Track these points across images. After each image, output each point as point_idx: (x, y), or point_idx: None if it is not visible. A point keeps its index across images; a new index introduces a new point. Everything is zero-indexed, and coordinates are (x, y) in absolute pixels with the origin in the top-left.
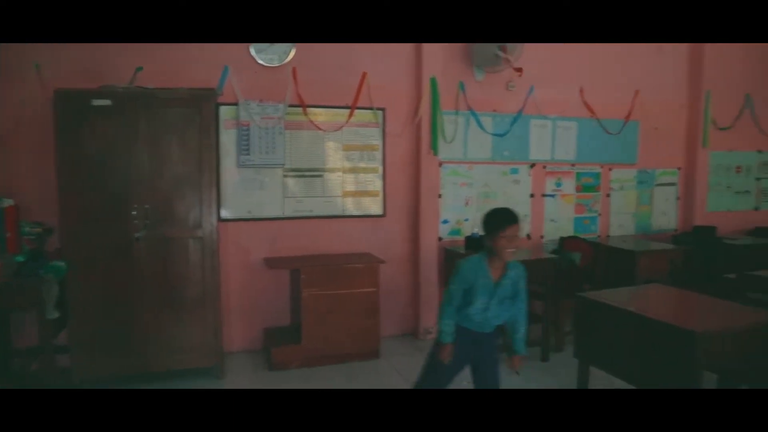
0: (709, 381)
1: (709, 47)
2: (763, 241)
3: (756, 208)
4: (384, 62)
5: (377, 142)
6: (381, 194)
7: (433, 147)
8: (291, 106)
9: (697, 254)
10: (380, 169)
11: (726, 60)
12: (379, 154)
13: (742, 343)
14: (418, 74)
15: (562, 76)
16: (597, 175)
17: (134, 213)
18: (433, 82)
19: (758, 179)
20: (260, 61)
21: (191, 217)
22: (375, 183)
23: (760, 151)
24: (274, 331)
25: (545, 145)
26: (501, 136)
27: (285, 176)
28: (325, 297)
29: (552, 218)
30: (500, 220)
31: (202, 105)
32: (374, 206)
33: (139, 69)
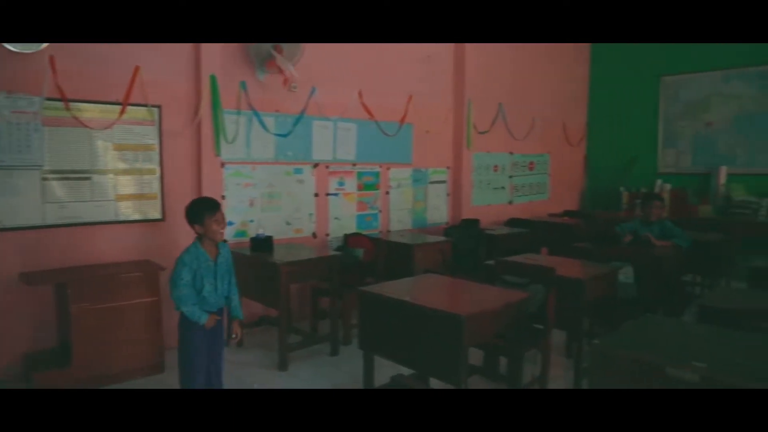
0: (476, 356)
1: (469, 61)
2: (517, 231)
3: (510, 202)
4: (159, 57)
5: (153, 141)
6: (159, 197)
7: (216, 147)
8: (50, 99)
9: (464, 244)
10: (158, 170)
11: (483, 72)
12: (156, 155)
13: (500, 321)
14: (197, 71)
15: (342, 79)
16: (377, 174)
17: None
18: (213, 80)
19: (511, 177)
20: (8, 46)
21: None
22: (152, 185)
23: (511, 153)
24: (37, 355)
25: (327, 145)
26: (284, 136)
27: (44, 179)
28: (97, 311)
29: (336, 216)
30: (206, 207)
31: None
32: (152, 210)
33: None
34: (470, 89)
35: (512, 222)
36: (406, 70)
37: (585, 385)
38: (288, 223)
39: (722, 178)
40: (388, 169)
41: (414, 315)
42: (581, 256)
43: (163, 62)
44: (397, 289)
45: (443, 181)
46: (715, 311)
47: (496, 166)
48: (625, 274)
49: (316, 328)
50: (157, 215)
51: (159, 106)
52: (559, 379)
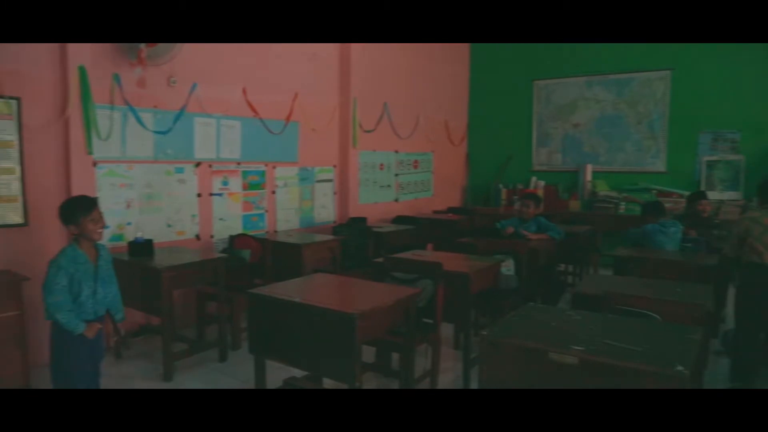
0: (368, 353)
1: (355, 60)
2: (403, 228)
3: (396, 200)
4: (14, 44)
5: (12, 137)
6: (21, 199)
7: (87, 145)
8: None
9: (352, 242)
10: (18, 169)
11: (369, 72)
12: (15, 152)
13: (391, 317)
14: (63, 61)
15: (225, 75)
16: (262, 173)
17: None
18: (83, 72)
19: (397, 175)
20: None
21: None
22: (11, 186)
23: (396, 152)
24: None
25: (210, 143)
26: (163, 133)
27: None
28: None
29: (221, 217)
30: (81, 205)
31: None
32: (12, 214)
33: None
34: (356, 88)
35: (399, 219)
36: (291, 68)
37: (474, 374)
38: (169, 225)
39: (588, 175)
40: (274, 167)
41: (305, 315)
42: (465, 250)
43: (23, 49)
44: (287, 289)
45: (330, 180)
46: (586, 297)
47: (382, 165)
48: (507, 267)
49: (203, 335)
50: (18, 220)
51: (18, 99)
52: (450, 371)
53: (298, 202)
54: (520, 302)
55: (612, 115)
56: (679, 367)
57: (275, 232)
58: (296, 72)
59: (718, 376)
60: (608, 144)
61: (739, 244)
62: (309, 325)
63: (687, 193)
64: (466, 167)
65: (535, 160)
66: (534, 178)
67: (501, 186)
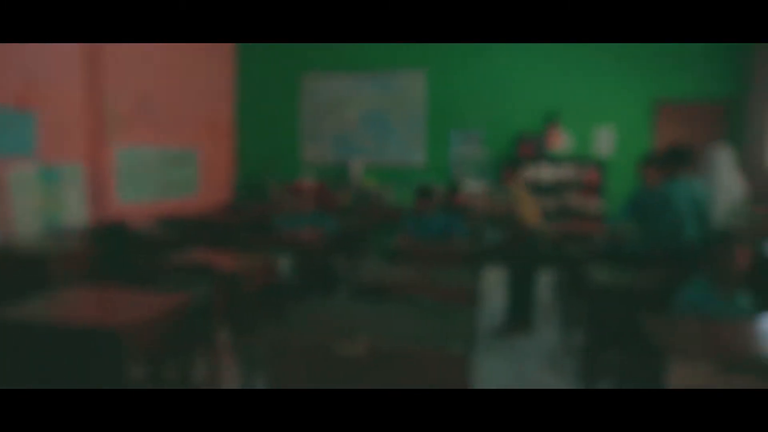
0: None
1: (108, 45)
2: (170, 229)
3: (161, 200)
4: None
5: None
6: None
7: None
8: None
9: (110, 249)
10: None
11: (125, 60)
12: None
13: (164, 326)
14: None
15: None
16: None
17: None
18: None
19: (160, 172)
20: None
21: None
22: None
23: (159, 148)
24: None
25: None
26: None
27: None
28: None
29: None
30: None
31: None
32: None
33: None
34: (109, 76)
35: (164, 221)
36: (25, 48)
37: (259, 376)
38: None
39: (357, 170)
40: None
41: (59, 338)
42: (237, 248)
43: None
44: (33, 309)
45: (79, 178)
46: (362, 288)
47: (143, 162)
48: (284, 263)
49: None
50: None
51: None
52: (232, 375)
53: (37, 204)
54: (299, 297)
55: (378, 112)
56: (455, 347)
57: (10, 240)
58: (34, 54)
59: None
60: (375, 139)
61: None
62: (65, 348)
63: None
64: (235, 163)
65: (306, 155)
66: (305, 174)
67: (273, 182)
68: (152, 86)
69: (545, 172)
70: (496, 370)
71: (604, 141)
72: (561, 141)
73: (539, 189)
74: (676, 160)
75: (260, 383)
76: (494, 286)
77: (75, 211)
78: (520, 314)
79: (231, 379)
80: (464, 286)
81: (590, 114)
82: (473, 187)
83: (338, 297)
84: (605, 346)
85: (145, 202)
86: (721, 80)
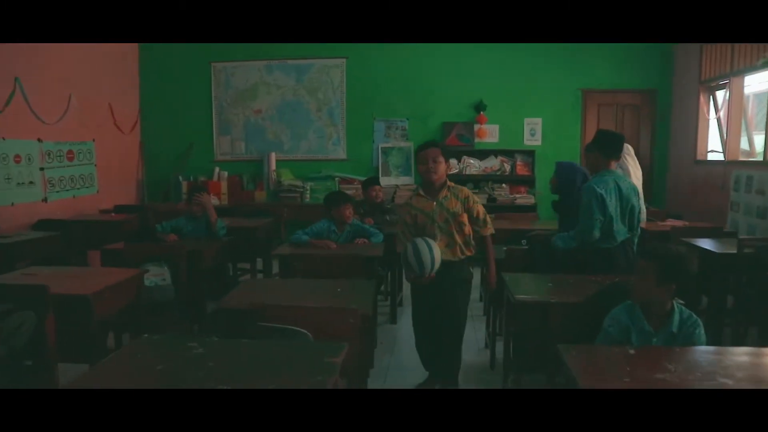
0: None
1: None
2: (44, 235)
3: (45, 200)
4: None
5: None
6: None
7: None
8: None
9: None
10: None
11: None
12: None
13: None
14: None
15: None
16: None
17: None
18: None
19: (42, 169)
20: None
21: None
22: None
23: (40, 140)
24: None
25: None
26: None
27: None
28: None
29: None
30: None
31: None
32: None
33: None
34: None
35: (43, 224)
36: None
37: None
38: None
39: (272, 165)
40: None
41: None
42: (112, 260)
43: None
44: None
45: None
46: (230, 313)
47: (18, 157)
48: (161, 276)
49: None
50: None
51: None
52: None
53: None
54: (179, 315)
55: (293, 102)
56: None
57: None
58: None
59: None
60: (291, 131)
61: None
62: None
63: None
64: (140, 158)
65: (217, 150)
66: (217, 169)
67: (181, 178)
68: (30, 65)
69: (472, 164)
70: None
71: (533, 131)
72: (488, 132)
73: (466, 182)
74: (610, 144)
75: None
76: None
77: None
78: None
79: None
80: (350, 310)
81: (517, 105)
82: (397, 182)
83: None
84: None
85: (23, 203)
86: (646, 71)
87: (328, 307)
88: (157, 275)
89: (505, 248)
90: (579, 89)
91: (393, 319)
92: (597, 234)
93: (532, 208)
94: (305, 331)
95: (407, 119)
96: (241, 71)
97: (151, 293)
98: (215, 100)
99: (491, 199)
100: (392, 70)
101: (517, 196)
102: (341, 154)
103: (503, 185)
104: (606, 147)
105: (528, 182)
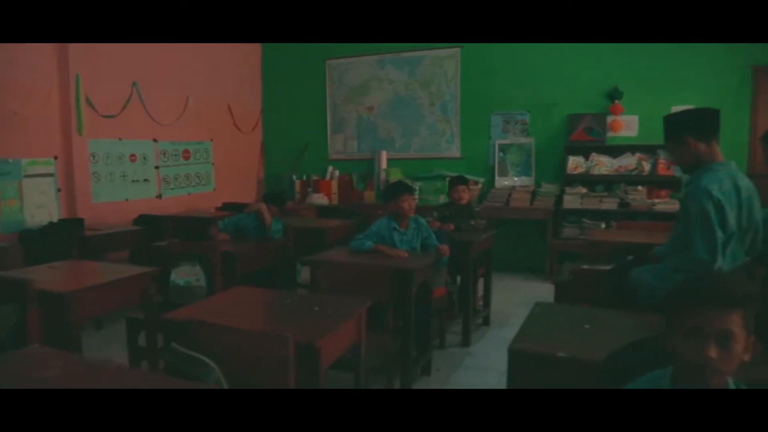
0: None
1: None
2: (131, 229)
3: (159, 196)
4: None
5: None
6: None
7: None
8: None
9: (50, 249)
10: None
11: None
12: None
13: None
14: None
15: None
16: None
17: None
18: None
19: (158, 167)
20: None
21: None
22: None
23: (155, 140)
24: None
25: None
26: None
27: None
28: None
29: None
30: None
31: None
32: None
33: None
34: (81, 62)
35: (142, 219)
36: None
37: None
38: None
39: (383, 163)
40: None
41: None
42: (153, 260)
43: None
44: None
45: (50, 174)
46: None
47: (134, 156)
48: (195, 276)
49: None
50: None
51: None
52: None
53: None
54: None
55: (405, 97)
56: None
57: None
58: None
59: None
60: (403, 128)
61: None
62: None
63: (482, 180)
64: (261, 157)
65: (331, 148)
66: (330, 168)
67: (295, 177)
68: (147, 69)
69: (602, 162)
70: None
71: None
72: (625, 124)
73: (594, 183)
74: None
75: None
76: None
77: (44, 208)
78: None
79: None
80: (280, 337)
81: (662, 91)
82: (515, 183)
83: None
84: None
85: (139, 199)
86: None
87: (261, 332)
88: (190, 275)
89: (571, 268)
90: (748, 66)
91: (466, 341)
92: (721, 261)
93: (674, 216)
94: (213, 365)
95: (528, 112)
96: (353, 67)
97: (181, 293)
98: (329, 98)
99: (623, 204)
100: (511, 57)
101: (657, 201)
102: (454, 151)
103: (639, 188)
104: (702, 126)
105: (671, 184)
